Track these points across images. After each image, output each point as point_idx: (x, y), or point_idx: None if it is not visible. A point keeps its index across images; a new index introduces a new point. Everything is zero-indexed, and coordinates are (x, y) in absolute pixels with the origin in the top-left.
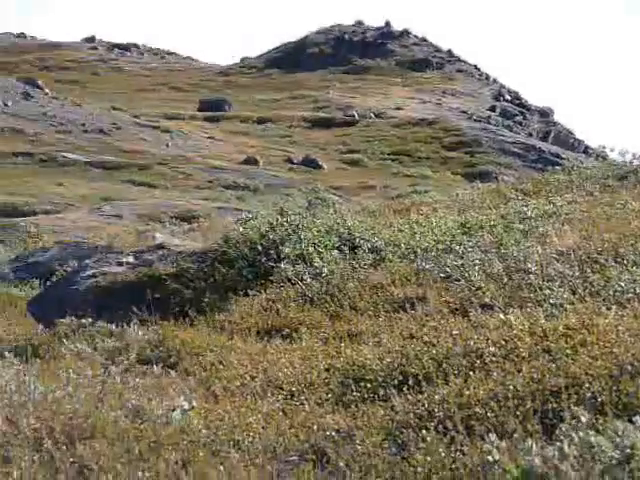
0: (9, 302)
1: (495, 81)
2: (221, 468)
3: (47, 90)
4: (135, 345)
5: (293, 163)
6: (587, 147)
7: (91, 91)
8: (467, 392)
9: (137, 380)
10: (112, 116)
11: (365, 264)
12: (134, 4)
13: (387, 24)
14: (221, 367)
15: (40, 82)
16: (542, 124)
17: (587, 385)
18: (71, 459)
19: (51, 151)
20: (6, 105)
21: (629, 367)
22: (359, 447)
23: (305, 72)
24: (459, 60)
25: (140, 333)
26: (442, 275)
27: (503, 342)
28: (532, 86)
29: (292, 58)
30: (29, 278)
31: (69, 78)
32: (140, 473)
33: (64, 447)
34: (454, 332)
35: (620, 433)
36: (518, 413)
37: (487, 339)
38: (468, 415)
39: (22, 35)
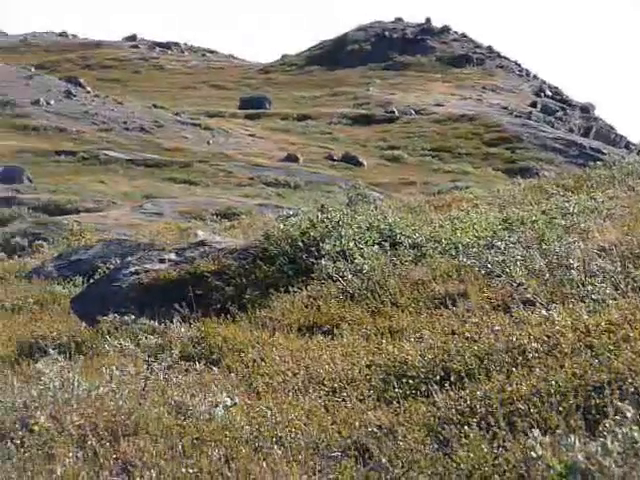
0: (52, 300)
1: (536, 77)
2: (264, 464)
3: (89, 88)
4: (177, 342)
5: (333, 160)
6: (629, 142)
7: (132, 89)
8: (509, 388)
9: (180, 377)
10: (153, 114)
11: (406, 260)
12: (175, 3)
13: (427, 21)
14: (263, 363)
15: (82, 81)
16: (583, 120)
17: (630, 380)
18: (115, 456)
19: (93, 149)
20: (49, 104)
21: None
22: (401, 443)
23: (345, 69)
24: (499, 56)
25: (182, 330)
26: (483, 271)
27: (545, 338)
28: (573, 82)
29: (332, 55)
30: (72, 276)
31: (111, 77)
32: (183, 469)
33: (108, 444)
34: (496, 328)
35: None
36: (561, 409)
37: (529, 335)
38: (510, 411)
39: (64, 34)
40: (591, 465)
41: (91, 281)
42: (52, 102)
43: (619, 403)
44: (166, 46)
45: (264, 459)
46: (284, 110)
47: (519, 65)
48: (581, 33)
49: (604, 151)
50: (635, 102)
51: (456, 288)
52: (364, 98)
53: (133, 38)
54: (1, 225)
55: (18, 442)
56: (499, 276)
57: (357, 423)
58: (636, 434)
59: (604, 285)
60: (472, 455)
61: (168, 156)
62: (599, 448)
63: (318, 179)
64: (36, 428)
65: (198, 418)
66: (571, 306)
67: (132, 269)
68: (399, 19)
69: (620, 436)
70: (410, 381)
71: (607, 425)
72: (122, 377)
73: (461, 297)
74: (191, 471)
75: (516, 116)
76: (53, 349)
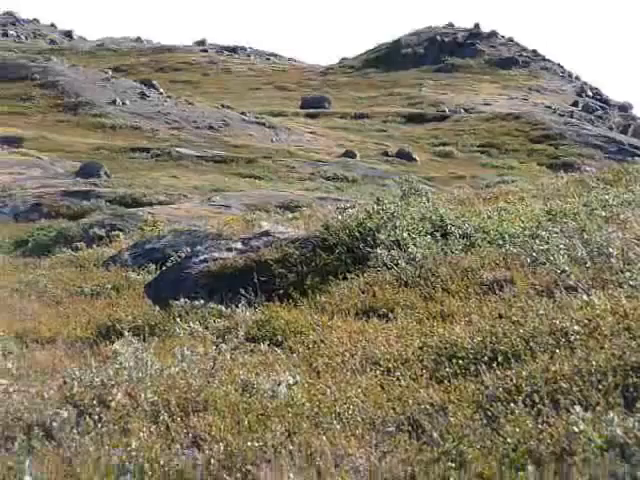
0: (128, 286)
1: (577, 78)
2: (324, 438)
3: (162, 90)
4: (243, 325)
5: (388, 156)
6: None
7: (202, 91)
8: (553, 368)
9: (245, 357)
10: (221, 113)
11: (456, 249)
12: (240, 9)
13: (476, 26)
14: (322, 345)
15: (155, 83)
16: (622, 118)
17: None
18: (185, 430)
19: (166, 146)
20: (124, 104)
21: None
22: (452, 419)
23: (399, 71)
24: (544, 59)
25: (248, 314)
26: (529, 259)
27: (586, 321)
28: (612, 82)
29: (387, 58)
30: (146, 263)
31: (182, 79)
32: (249, 443)
33: (179, 419)
34: (540, 312)
35: None
36: (601, 387)
37: (571, 319)
38: (554, 389)
39: (139, 39)
40: (629, 439)
41: (163, 268)
42: (128, 103)
43: None
44: (233, 50)
45: (324, 434)
46: (342, 109)
47: (562, 67)
48: (620, 36)
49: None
50: None
51: (503, 275)
52: (417, 98)
53: (202, 43)
54: (80, 217)
55: (96, 417)
56: (543, 264)
57: (410, 401)
58: None
59: (637, 273)
60: (518, 430)
61: (235, 152)
62: (636, 423)
63: (374, 173)
64: (113, 404)
65: (262, 395)
66: (610, 291)
67: (201, 257)
68: (450, 24)
69: None
70: (460, 361)
71: None
72: (192, 357)
73: (507, 283)
74: (256, 444)
75: (559, 115)
76: (128, 331)
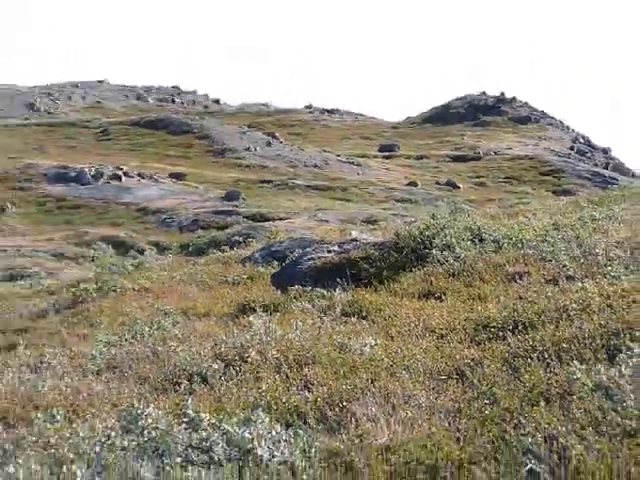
0: (258, 276)
1: (573, 130)
2: (396, 383)
3: (281, 140)
4: (339, 304)
5: (440, 184)
6: (634, 173)
7: (309, 140)
8: (558, 334)
9: (341, 326)
10: (322, 156)
11: (488, 250)
12: (336, 79)
13: (502, 94)
14: (395, 318)
15: (277, 135)
16: (604, 158)
17: (637, 328)
18: (299, 377)
19: (284, 179)
20: (256, 150)
21: None
22: (486, 370)
23: (448, 125)
24: (549, 117)
25: (342, 296)
26: (540, 257)
27: (581, 301)
28: (598, 132)
29: (439, 116)
30: (270, 261)
31: (295, 132)
32: (344, 387)
33: (295, 370)
34: (548, 294)
35: None
36: (591, 347)
37: (570, 299)
38: (558, 349)
39: (265, 104)
40: (611, 384)
41: (283, 264)
42: (258, 149)
43: (630, 343)
44: (330, 111)
45: (396, 380)
46: (407, 152)
47: (562, 122)
48: (604, 99)
49: (618, 179)
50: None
51: (521, 269)
52: (460, 144)
53: (310, 106)
54: (225, 228)
55: (237, 369)
56: (550, 261)
57: (457, 357)
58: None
59: (619, 266)
60: (533, 377)
61: (332, 183)
62: (616, 372)
63: (430, 197)
64: (249, 360)
65: (353, 353)
66: (597, 280)
67: (309, 256)
68: (483, 92)
69: (630, 364)
70: (492, 329)
71: (621, 357)
72: (303, 327)
73: (525, 274)
74: (349, 388)
75: (560, 156)
76: (259, 308)
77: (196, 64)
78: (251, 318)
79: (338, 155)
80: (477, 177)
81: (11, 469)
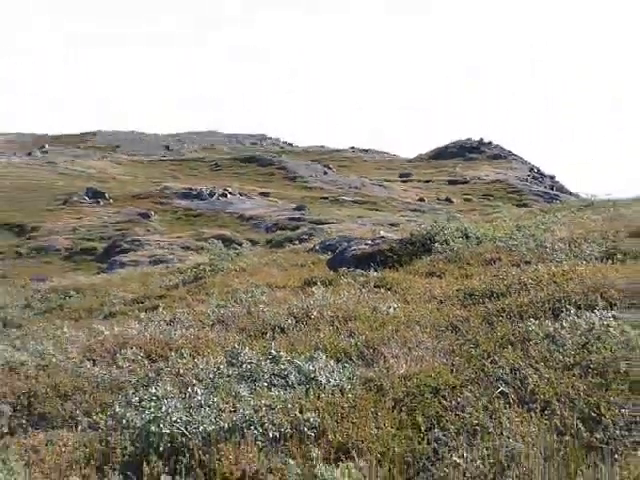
0: (318, 261)
1: (529, 163)
2: (411, 333)
3: (333, 170)
4: (372, 279)
5: (440, 200)
6: (571, 192)
7: (352, 170)
8: (519, 300)
9: (372, 295)
10: (360, 181)
11: (473, 244)
12: (370, 126)
13: (481, 139)
14: (409, 289)
15: (331, 166)
16: (550, 182)
17: (573, 296)
18: (345, 328)
19: (334, 196)
20: (316, 176)
21: (592, 288)
22: (472, 324)
23: (446, 160)
24: (514, 154)
25: (374, 274)
26: (508, 248)
27: (535, 278)
28: (546, 163)
29: (439, 154)
30: (326, 250)
31: (343, 165)
32: (375, 334)
33: (342, 323)
34: (513, 273)
35: (586, 317)
36: (542, 309)
37: (528, 277)
38: (520, 310)
39: (322, 146)
40: (555, 333)
41: (334, 253)
42: (317, 176)
43: (568, 306)
44: (366, 151)
45: (411, 331)
46: (418, 178)
47: (522, 158)
48: (551, 137)
49: (561, 197)
50: (576, 171)
51: (496, 256)
52: (454, 173)
53: (353, 148)
54: (296, 229)
55: (304, 323)
56: (514, 251)
57: (451, 315)
58: (577, 319)
59: (561, 255)
60: (503, 329)
61: (367, 199)
62: (559, 326)
63: (433, 208)
64: (312, 317)
65: (382, 312)
66: (546, 264)
67: (352, 248)
68: (469, 138)
69: (569, 320)
70: (475, 297)
71: (562, 316)
72: (348, 295)
73: (497, 260)
74: (380, 335)
75: (520, 181)
76: (318, 282)
77: (276, 115)
78: (313, 289)
79: (371, 180)
80: (465, 195)
81: (153, 390)
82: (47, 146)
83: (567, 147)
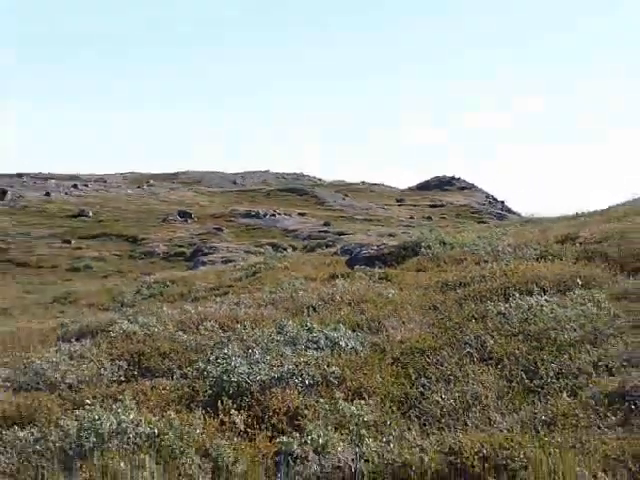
0: (339, 261)
1: (485, 192)
2: (404, 311)
3: (350, 197)
4: (377, 274)
5: (424, 218)
6: (515, 212)
7: (363, 197)
8: (480, 288)
9: (377, 284)
10: (369, 205)
11: (447, 249)
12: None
13: (453, 176)
14: (403, 280)
15: (348, 195)
16: (501, 205)
17: (517, 285)
18: (358, 308)
19: (350, 216)
20: (337, 202)
21: (530, 279)
22: (447, 305)
23: (430, 191)
24: (476, 186)
25: (378, 270)
26: (471, 252)
27: (491, 272)
28: (498, 190)
29: (424, 186)
30: (345, 254)
31: (357, 194)
32: (380, 313)
33: (356, 305)
34: (476, 269)
35: (527, 300)
36: (496, 294)
37: (486, 272)
38: (481, 295)
39: (342, 181)
40: (505, 311)
41: (351, 255)
42: (338, 201)
43: (514, 292)
44: (373, 184)
45: (404, 310)
46: (410, 203)
47: (481, 188)
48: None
49: (508, 216)
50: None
51: (463, 257)
52: (434, 200)
53: (363, 182)
54: (323, 239)
55: (329, 304)
56: (476, 253)
57: (432, 299)
58: (520, 301)
59: (509, 256)
60: (469, 308)
61: (374, 217)
62: (507, 306)
63: (420, 224)
64: (335, 300)
65: (384, 296)
66: (498, 263)
67: (363, 252)
68: (445, 175)
69: (514, 302)
70: (449, 286)
71: (510, 299)
72: (360, 285)
73: (464, 260)
74: (382, 313)
75: (480, 205)
76: (340, 276)
77: (309, 158)
78: (336, 281)
79: (376, 204)
80: (441, 215)
81: (225, 351)
82: (151, 181)
83: (512, 178)
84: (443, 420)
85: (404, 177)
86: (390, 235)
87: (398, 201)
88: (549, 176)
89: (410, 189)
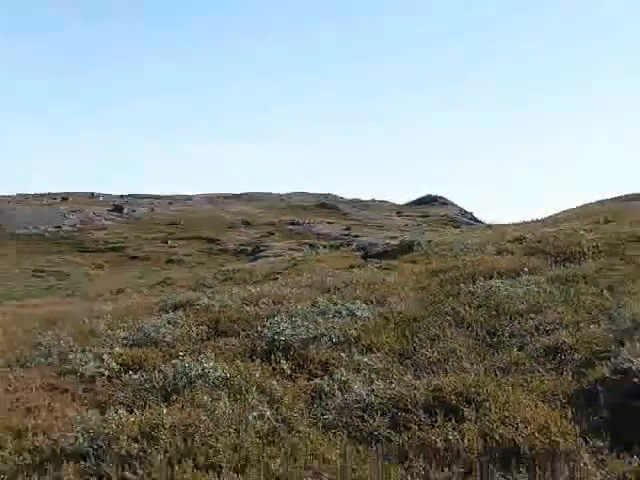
0: (356, 256)
1: (458, 206)
2: (402, 291)
3: (365, 210)
4: (383, 265)
5: (416, 225)
6: (481, 221)
7: (373, 211)
8: (456, 274)
9: (383, 272)
10: (378, 216)
11: (433, 246)
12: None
13: (436, 195)
14: (401, 269)
15: (363, 208)
16: (469, 215)
17: (481, 272)
18: (369, 289)
19: (364, 223)
20: (353, 214)
21: (491, 268)
22: (432, 286)
23: (419, 205)
24: (452, 202)
25: (384, 262)
26: (450, 248)
27: (463, 263)
28: (470, 203)
29: (416, 202)
30: (360, 250)
31: (369, 207)
32: (385, 291)
33: (368, 287)
34: (452, 261)
35: (488, 282)
36: (467, 278)
37: (459, 262)
38: (456, 279)
39: (358, 198)
40: (473, 290)
41: (364, 251)
42: (355, 213)
43: (480, 277)
44: (380, 201)
45: (402, 290)
46: (406, 214)
47: (456, 204)
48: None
49: (475, 224)
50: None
51: (443, 253)
52: (424, 212)
53: (374, 199)
54: (345, 239)
55: (349, 286)
56: (452, 249)
57: (422, 282)
58: (483, 283)
59: (476, 251)
60: (448, 288)
61: (381, 224)
62: (476, 286)
63: (413, 229)
64: (353, 282)
65: (387, 281)
66: (468, 256)
67: (373, 249)
68: (429, 194)
69: (480, 284)
70: (434, 272)
71: (476, 283)
72: (370, 272)
73: (444, 254)
74: (387, 292)
75: (455, 215)
76: (356, 266)
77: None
78: (353, 270)
79: (383, 215)
80: (428, 223)
81: (276, 319)
82: (223, 199)
83: (478, 191)
84: (430, 367)
85: (404, 194)
86: (392, 237)
87: (398, 213)
88: (505, 188)
89: (406, 204)
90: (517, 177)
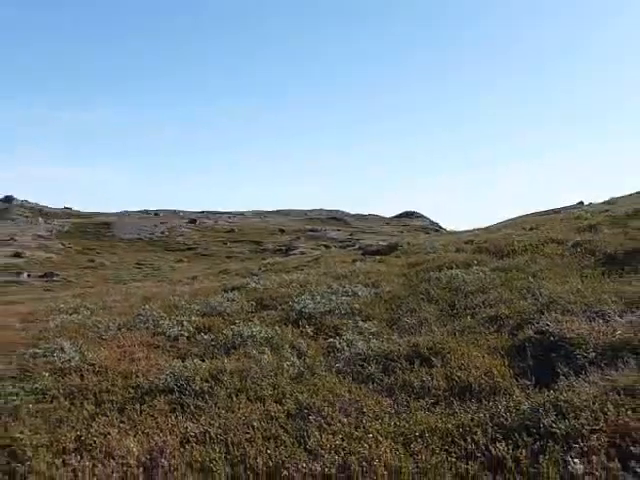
0: (358, 253)
1: (429, 218)
2: (390, 278)
3: (364, 222)
4: (376, 260)
5: (400, 233)
6: (446, 229)
7: (370, 222)
8: (427, 266)
9: (376, 265)
10: (376, 224)
11: (412, 247)
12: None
13: (413, 211)
14: (389, 262)
15: (359, 223)
16: (437, 225)
17: (445, 264)
18: (367, 276)
19: (363, 231)
20: (355, 224)
21: (452, 261)
22: (410, 274)
23: (402, 218)
24: (424, 215)
25: (377, 257)
26: (424, 248)
27: (432, 258)
28: (435, 212)
29: (399, 216)
30: (361, 249)
31: (366, 219)
32: (378, 278)
33: (367, 275)
34: (424, 257)
35: (450, 271)
36: (435, 268)
37: (430, 257)
38: (427, 269)
39: (360, 213)
40: (439, 276)
41: (364, 250)
42: (357, 224)
43: (444, 267)
44: (375, 215)
45: (389, 277)
46: (393, 224)
47: (427, 217)
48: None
49: (441, 231)
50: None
51: (418, 251)
52: (407, 223)
53: (375, 215)
54: (350, 242)
55: (353, 274)
56: (424, 248)
57: (404, 272)
58: (446, 272)
59: (440, 250)
60: (421, 275)
61: (376, 232)
62: (441, 274)
63: (399, 236)
64: (355, 272)
65: (379, 271)
66: (436, 253)
67: (370, 248)
68: (410, 210)
69: (444, 272)
70: (412, 265)
71: (441, 272)
72: (367, 265)
73: (419, 252)
74: (379, 278)
75: (426, 224)
76: (358, 260)
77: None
78: (356, 263)
79: (376, 225)
80: (408, 230)
81: (302, 296)
82: (265, 214)
83: (447, 205)
84: (409, 330)
85: (390, 205)
86: (383, 240)
87: (387, 224)
88: (463, 203)
89: (392, 217)
90: (472, 194)
